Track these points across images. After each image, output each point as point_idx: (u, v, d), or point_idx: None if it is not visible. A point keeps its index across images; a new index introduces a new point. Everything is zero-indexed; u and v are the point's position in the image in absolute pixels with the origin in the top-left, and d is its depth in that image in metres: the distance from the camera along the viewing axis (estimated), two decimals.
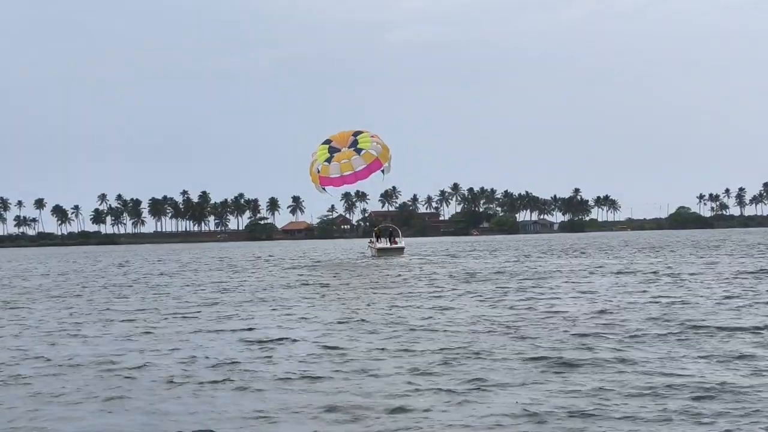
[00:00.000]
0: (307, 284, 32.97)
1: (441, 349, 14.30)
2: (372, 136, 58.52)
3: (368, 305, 22.66)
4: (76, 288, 35.19)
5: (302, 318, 20.07)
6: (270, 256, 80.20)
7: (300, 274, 42.09)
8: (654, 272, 34.74)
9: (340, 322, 18.84)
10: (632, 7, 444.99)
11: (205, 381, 12.12)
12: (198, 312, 22.37)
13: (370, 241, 70.32)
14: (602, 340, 14.90)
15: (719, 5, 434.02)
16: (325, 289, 29.46)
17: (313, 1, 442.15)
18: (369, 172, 57.07)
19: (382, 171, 57.58)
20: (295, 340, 16.05)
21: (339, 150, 57.40)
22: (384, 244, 67.10)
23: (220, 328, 18.43)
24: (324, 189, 57.86)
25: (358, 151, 57.08)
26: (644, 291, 25.11)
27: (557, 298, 23.57)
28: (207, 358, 14.21)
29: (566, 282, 30.25)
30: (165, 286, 35.00)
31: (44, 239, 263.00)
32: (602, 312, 19.51)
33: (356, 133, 58.80)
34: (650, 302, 21.50)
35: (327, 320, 19.40)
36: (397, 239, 68.49)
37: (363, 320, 19.02)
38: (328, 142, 58.78)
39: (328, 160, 56.96)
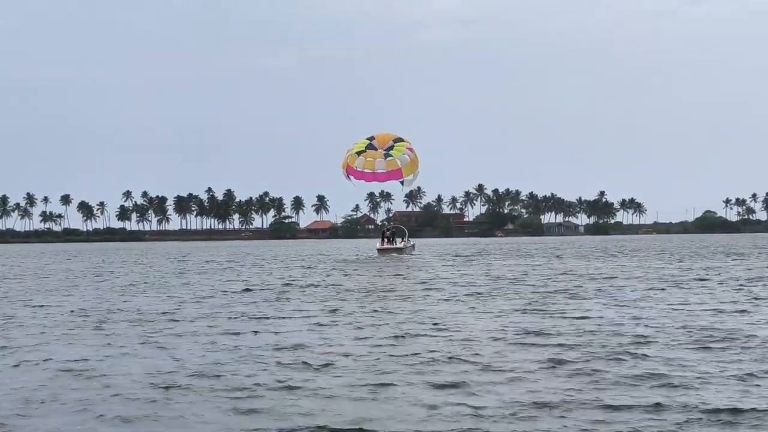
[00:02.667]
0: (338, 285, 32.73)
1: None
2: (408, 148, 60.85)
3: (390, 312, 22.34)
4: None
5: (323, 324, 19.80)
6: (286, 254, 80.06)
7: (327, 274, 41.86)
8: None
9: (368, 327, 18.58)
10: (660, 9, 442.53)
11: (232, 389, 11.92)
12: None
13: (388, 241, 70.77)
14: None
15: (749, 8, 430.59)
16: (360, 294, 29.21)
17: (342, 1, 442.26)
18: (387, 178, 60.74)
19: (401, 182, 60.95)
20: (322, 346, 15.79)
21: (376, 149, 60.42)
22: (390, 244, 68.08)
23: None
24: (349, 177, 60.77)
25: (386, 156, 59.92)
26: None
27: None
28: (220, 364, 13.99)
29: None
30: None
31: (70, 235, 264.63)
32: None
33: (397, 140, 61.51)
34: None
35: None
36: (403, 240, 70.06)
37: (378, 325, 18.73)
38: (371, 138, 61.74)
39: (360, 153, 60.09)
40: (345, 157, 60.86)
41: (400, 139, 61.63)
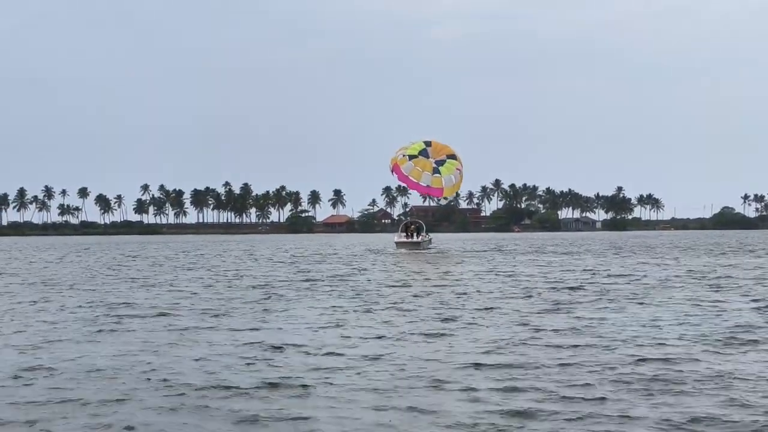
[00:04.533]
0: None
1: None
2: (458, 168, 63.25)
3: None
4: None
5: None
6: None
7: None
8: None
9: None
10: (679, 5, 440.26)
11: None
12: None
13: (406, 236, 73.99)
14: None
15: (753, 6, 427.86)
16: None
17: None
18: (427, 192, 64.45)
19: (438, 200, 63.71)
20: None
21: (428, 157, 62.94)
22: (412, 238, 71.00)
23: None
24: (393, 173, 63.70)
25: (435, 171, 62.35)
26: None
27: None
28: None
29: None
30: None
31: (87, 228, 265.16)
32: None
33: (450, 156, 63.85)
34: None
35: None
36: (422, 234, 72.51)
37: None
38: (427, 144, 64.10)
39: (412, 158, 62.73)
40: (396, 154, 63.27)
41: (454, 156, 63.81)
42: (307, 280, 32.09)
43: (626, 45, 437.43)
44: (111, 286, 30.14)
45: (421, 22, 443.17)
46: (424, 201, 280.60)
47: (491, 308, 20.76)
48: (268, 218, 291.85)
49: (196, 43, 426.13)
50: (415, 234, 71.82)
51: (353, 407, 10.28)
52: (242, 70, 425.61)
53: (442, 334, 16.07)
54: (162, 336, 16.40)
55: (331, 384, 11.52)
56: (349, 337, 15.91)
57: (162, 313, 20.54)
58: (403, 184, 65.33)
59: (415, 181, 62.49)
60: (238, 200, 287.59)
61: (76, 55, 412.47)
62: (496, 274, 35.00)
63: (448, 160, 63.13)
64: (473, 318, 18.72)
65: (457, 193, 65.10)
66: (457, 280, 31.69)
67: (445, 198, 65.94)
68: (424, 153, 62.99)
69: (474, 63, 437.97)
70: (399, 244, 69.98)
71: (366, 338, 15.72)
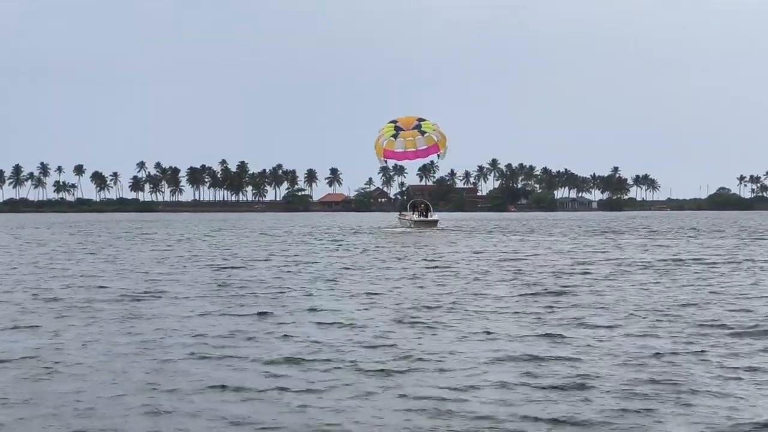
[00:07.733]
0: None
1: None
2: (433, 124, 65.98)
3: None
4: None
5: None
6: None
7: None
8: None
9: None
10: None
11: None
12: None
13: (401, 214, 77.38)
14: None
15: None
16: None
17: None
18: (427, 153, 65.70)
19: (438, 155, 66.35)
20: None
21: (403, 130, 64.99)
22: (419, 217, 72.10)
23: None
24: (386, 161, 67.34)
25: (422, 133, 64.79)
26: None
27: None
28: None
29: None
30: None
31: (83, 205, 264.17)
32: None
33: (420, 120, 66.34)
34: None
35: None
36: (430, 213, 73.78)
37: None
38: (394, 122, 66.33)
39: (394, 137, 64.80)
40: (378, 144, 65.42)
41: (423, 119, 66.30)
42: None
43: (624, 31, 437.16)
44: None
45: (420, 11, 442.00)
46: (421, 180, 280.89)
47: None
48: (265, 196, 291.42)
49: (194, 25, 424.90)
50: (425, 212, 72.39)
51: None
52: (238, 52, 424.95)
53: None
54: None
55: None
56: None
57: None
58: (402, 162, 69.26)
59: (413, 150, 64.66)
60: (234, 178, 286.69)
61: (73, 32, 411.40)
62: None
63: (422, 123, 65.50)
64: None
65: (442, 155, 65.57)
66: None
67: (444, 152, 65.96)
68: (399, 129, 65.07)
69: (473, 44, 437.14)
70: (416, 223, 70.02)
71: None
